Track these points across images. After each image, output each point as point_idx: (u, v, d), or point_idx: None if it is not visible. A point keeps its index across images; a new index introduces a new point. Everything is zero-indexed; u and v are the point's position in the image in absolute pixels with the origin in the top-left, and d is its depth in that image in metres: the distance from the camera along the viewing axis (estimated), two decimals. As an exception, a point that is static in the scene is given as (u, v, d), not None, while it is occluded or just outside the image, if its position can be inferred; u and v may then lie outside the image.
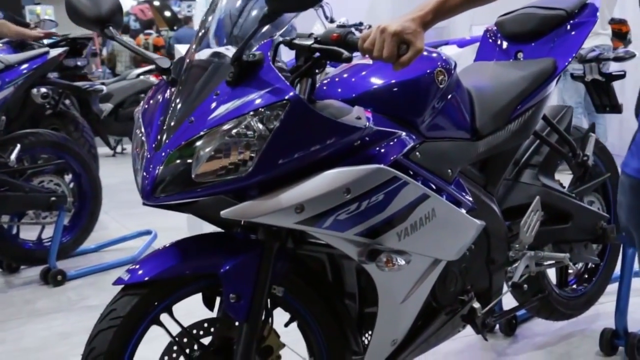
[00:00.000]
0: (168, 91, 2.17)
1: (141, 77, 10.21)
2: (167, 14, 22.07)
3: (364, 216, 2.08)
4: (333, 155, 2.04)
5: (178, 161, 1.98)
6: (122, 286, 2.11)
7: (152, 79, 10.08)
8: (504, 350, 3.27)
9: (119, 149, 10.76)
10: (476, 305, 2.56)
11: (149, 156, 2.04)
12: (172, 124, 2.05)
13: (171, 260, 2.11)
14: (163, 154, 2.00)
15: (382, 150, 2.15)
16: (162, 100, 2.16)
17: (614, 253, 3.45)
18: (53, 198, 4.61)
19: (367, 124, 2.10)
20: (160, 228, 5.33)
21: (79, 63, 6.21)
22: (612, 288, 3.49)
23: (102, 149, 6.19)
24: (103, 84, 6.12)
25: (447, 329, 2.54)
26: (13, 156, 4.53)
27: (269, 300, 2.19)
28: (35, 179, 4.71)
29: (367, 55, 2.01)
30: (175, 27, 20.16)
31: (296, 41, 2.09)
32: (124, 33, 16.42)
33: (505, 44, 3.04)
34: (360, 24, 3.07)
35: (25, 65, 4.67)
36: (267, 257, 2.10)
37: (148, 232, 5.38)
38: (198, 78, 2.11)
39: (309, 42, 2.06)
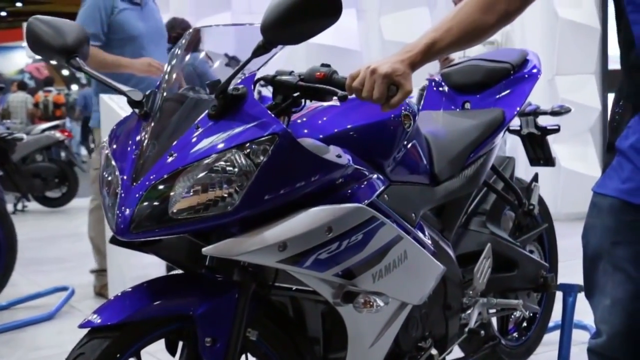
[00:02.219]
0: (141, 125, 2.11)
1: (46, 132, 10.01)
2: (65, 72, 21.75)
3: (343, 256, 2.06)
4: (314, 193, 2.02)
5: (155, 197, 1.92)
6: (89, 329, 1.99)
7: (58, 134, 9.90)
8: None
9: (19, 206, 10.39)
10: (434, 351, 2.55)
11: (123, 192, 1.96)
12: (149, 158, 1.99)
13: (142, 301, 2.02)
14: (139, 189, 1.93)
15: (359, 190, 2.15)
16: (134, 135, 2.09)
17: (550, 302, 3.50)
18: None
19: (348, 162, 2.09)
20: (75, 284, 5.15)
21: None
22: (547, 338, 3.58)
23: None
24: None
25: (407, 375, 2.52)
26: None
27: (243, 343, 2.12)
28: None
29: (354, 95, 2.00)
30: (72, 86, 19.96)
31: (279, 78, 2.07)
32: (20, 89, 16.12)
33: (452, 94, 3.09)
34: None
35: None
36: (243, 299, 2.04)
37: (64, 288, 5.14)
38: (174, 111, 2.07)
39: (294, 80, 2.04)
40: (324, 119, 2.29)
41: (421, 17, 7.76)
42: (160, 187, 1.91)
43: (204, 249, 1.92)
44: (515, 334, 3.42)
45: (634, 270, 1.69)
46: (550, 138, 3.48)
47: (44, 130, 10.10)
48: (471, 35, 2.00)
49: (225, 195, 1.89)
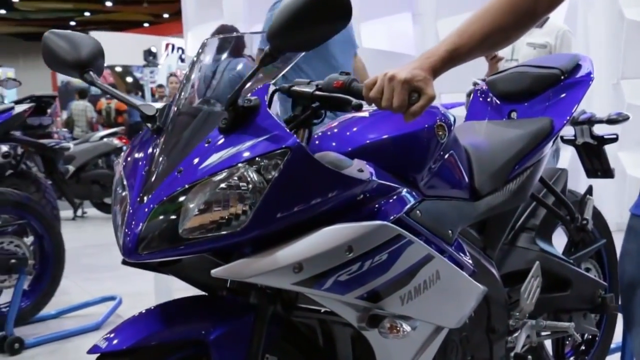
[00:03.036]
0: (153, 140, 2.01)
1: (105, 139, 10.10)
2: (129, 79, 22.01)
3: (366, 277, 1.92)
4: (333, 210, 1.89)
5: (164, 215, 1.81)
6: (98, 355, 1.89)
7: (116, 141, 9.96)
8: None
9: (79, 212, 10.53)
10: None
11: (131, 210, 1.86)
12: (158, 174, 1.88)
13: (154, 325, 1.91)
14: (147, 207, 1.82)
15: (384, 207, 2.01)
16: (146, 150, 1.99)
17: (611, 323, 3.29)
18: (13, 260, 4.41)
19: (370, 177, 1.95)
20: (125, 294, 5.12)
21: (42, 121, 6.04)
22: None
23: (62, 212, 5.95)
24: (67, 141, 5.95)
25: (446, 403, 2.37)
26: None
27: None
28: (-8, 240, 4.51)
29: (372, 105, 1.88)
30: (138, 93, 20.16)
31: (295, 88, 1.96)
32: (81, 98, 16.33)
33: (497, 103, 2.94)
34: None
35: (-12, 121, 4.50)
36: (260, 323, 1.92)
37: (112, 298, 5.14)
38: (186, 126, 1.95)
39: (311, 89, 1.92)
40: (352, 130, 2.18)
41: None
42: (168, 205, 1.81)
43: (212, 271, 1.81)
44: (572, 358, 3.23)
45: None
46: (614, 146, 3.31)
47: (102, 138, 10.20)
48: (496, 40, 1.88)
49: (235, 213, 1.78)
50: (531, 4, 1.81)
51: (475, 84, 3.36)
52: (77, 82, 23.58)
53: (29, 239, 4.80)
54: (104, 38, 20.09)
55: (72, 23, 28.49)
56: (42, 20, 28.04)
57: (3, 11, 26.78)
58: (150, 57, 20.94)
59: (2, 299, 4.67)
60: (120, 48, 19.68)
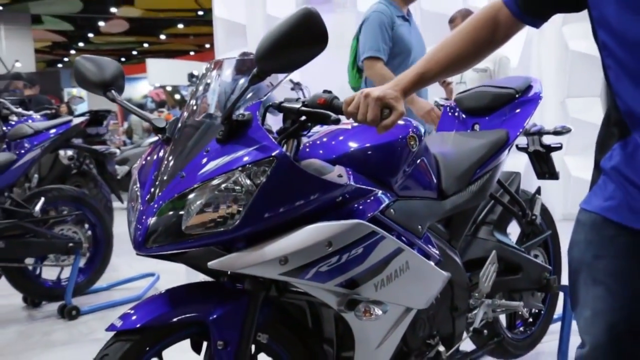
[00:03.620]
0: (162, 149, 1.85)
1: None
2: (177, 96, 21.91)
3: (344, 268, 1.75)
4: (316, 210, 1.73)
5: (169, 213, 1.66)
6: (114, 332, 1.74)
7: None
8: (461, 386, 2.90)
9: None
10: (441, 348, 2.22)
11: (142, 209, 1.71)
12: (165, 178, 1.72)
13: (162, 308, 1.75)
14: (155, 206, 1.68)
15: (361, 207, 1.84)
16: (156, 157, 1.84)
17: (554, 300, 3.11)
18: (71, 244, 4.26)
19: (348, 181, 1.79)
20: (163, 270, 4.92)
21: (99, 131, 5.94)
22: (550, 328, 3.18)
23: (119, 203, 5.81)
24: (119, 148, 5.81)
25: (415, 371, 2.19)
26: (37, 208, 4.19)
27: (253, 346, 1.83)
28: (56, 228, 4.37)
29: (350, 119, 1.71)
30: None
31: (285, 104, 1.79)
32: (141, 111, 16.18)
33: (463, 117, 2.76)
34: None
35: (51, 131, 4.37)
36: (253, 306, 1.76)
37: (152, 274, 4.98)
38: (190, 136, 1.80)
39: (297, 105, 1.76)
40: (337, 140, 2.00)
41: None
42: (171, 205, 1.66)
43: (209, 263, 1.65)
44: (521, 329, 3.04)
45: (613, 283, 1.41)
46: (562, 152, 3.15)
47: (150, 143, 10.02)
48: (458, 65, 1.72)
49: (229, 213, 1.63)
50: (489, 35, 1.64)
51: (437, 103, 3.20)
52: (136, 97, 23.75)
53: (85, 227, 4.68)
54: (159, 64, 20.05)
55: (134, 52, 28.47)
56: (111, 50, 28.06)
57: (82, 44, 26.80)
58: (192, 78, 20.80)
59: (63, 274, 4.52)
60: (170, 72, 19.48)
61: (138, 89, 23.33)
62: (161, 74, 19.36)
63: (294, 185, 1.67)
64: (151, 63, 19.79)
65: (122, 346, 1.70)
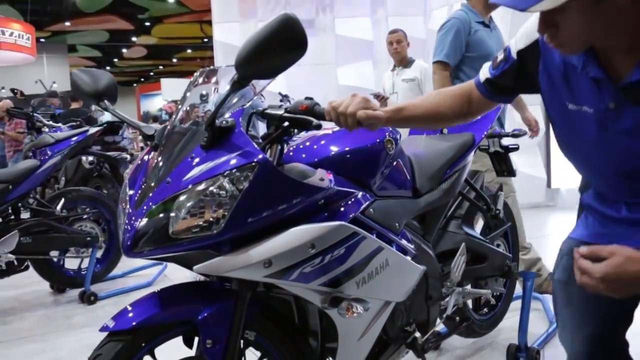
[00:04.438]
0: (151, 155, 1.56)
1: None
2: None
3: (327, 269, 1.48)
4: (299, 213, 1.44)
5: (155, 219, 1.37)
6: (107, 333, 1.46)
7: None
8: (433, 362, 2.65)
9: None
10: (417, 334, 1.95)
11: (130, 213, 1.42)
12: (152, 184, 1.44)
13: (153, 308, 1.47)
14: (142, 211, 1.39)
15: (343, 208, 1.56)
16: (145, 163, 1.55)
17: (513, 283, 2.85)
18: (89, 238, 3.97)
19: (329, 184, 1.51)
20: (171, 259, 4.61)
21: (115, 139, 5.63)
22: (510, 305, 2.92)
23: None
24: (131, 154, 5.52)
25: (394, 357, 1.92)
26: (58, 207, 3.95)
27: (242, 342, 1.56)
28: (76, 224, 4.06)
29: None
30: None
31: (268, 111, 1.51)
32: (154, 122, 15.80)
33: None
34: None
35: (70, 140, 4.06)
36: (240, 306, 1.48)
37: (160, 263, 4.63)
38: (177, 143, 1.51)
39: (280, 112, 1.48)
40: (319, 144, 1.72)
41: None
42: (158, 211, 1.37)
43: (194, 267, 1.37)
44: (485, 309, 2.78)
45: (584, 302, 1.37)
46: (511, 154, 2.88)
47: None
48: (432, 119, 1.52)
49: (214, 218, 1.34)
50: (464, 107, 1.52)
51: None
52: (153, 110, 23.34)
53: (101, 223, 4.38)
54: (171, 82, 19.68)
55: (151, 73, 27.99)
56: (132, 72, 27.66)
57: (108, 67, 26.33)
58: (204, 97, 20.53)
59: (82, 265, 4.23)
60: (181, 89, 19.07)
61: (154, 103, 22.93)
62: (173, 90, 19.10)
63: (277, 189, 1.39)
64: (165, 82, 19.56)
65: (115, 346, 1.43)
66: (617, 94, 1.13)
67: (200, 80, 1.65)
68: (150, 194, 1.40)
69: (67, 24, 18.49)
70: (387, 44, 5.02)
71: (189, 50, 22.81)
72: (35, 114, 5.11)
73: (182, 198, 1.35)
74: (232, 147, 1.39)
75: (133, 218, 1.39)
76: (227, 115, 1.46)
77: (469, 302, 2.63)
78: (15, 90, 8.11)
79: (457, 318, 2.25)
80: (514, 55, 1.35)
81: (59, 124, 5.21)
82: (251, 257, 1.36)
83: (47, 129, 4.83)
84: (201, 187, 1.35)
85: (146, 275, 4.40)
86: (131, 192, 1.47)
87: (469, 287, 2.36)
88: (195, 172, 1.37)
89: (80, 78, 1.70)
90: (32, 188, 3.81)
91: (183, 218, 1.34)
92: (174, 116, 1.61)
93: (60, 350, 3.09)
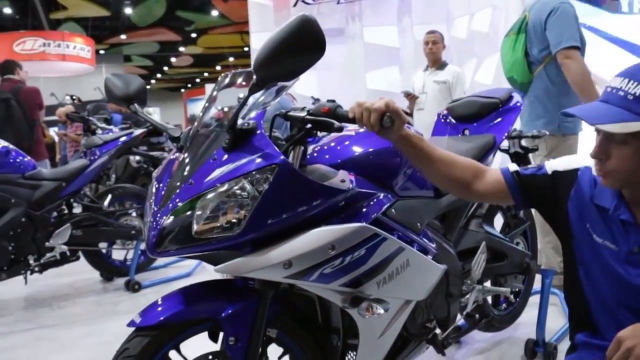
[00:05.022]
0: (177, 156, 1.46)
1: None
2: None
3: (347, 269, 1.36)
4: (320, 214, 1.33)
5: (178, 218, 1.27)
6: (134, 328, 1.38)
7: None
8: (453, 355, 2.50)
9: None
10: (437, 331, 1.82)
11: (152, 216, 1.32)
12: (176, 184, 1.34)
13: (178, 305, 1.38)
14: (166, 211, 1.29)
15: (364, 209, 1.44)
16: (171, 164, 1.45)
17: (531, 280, 2.68)
18: (133, 231, 3.91)
19: (351, 186, 1.38)
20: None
21: (159, 140, 5.59)
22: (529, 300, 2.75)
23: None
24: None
25: (415, 352, 1.79)
26: (106, 203, 3.95)
27: (264, 339, 1.45)
28: (122, 219, 4.01)
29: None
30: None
31: (291, 113, 1.39)
32: (191, 123, 15.85)
33: (454, 123, 2.34)
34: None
35: (117, 141, 4.01)
36: (262, 305, 1.38)
37: (199, 255, 4.60)
38: (201, 145, 1.41)
39: (303, 114, 1.36)
40: (342, 145, 1.60)
41: None
42: (180, 211, 1.27)
43: (215, 268, 1.26)
44: (504, 305, 2.62)
45: None
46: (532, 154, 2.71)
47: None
48: (438, 166, 1.39)
49: (235, 219, 1.23)
50: (472, 180, 1.39)
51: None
52: (198, 113, 23.40)
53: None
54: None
55: (197, 80, 28.15)
56: (180, 79, 27.90)
57: (159, 75, 26.62)
58: (239, 99, 20.56)
59: (128, 256, 4.19)
60: (224, 95, 19.30)
61: (199, 107, 23.23)
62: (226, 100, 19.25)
63: (297, 191, 1.28)
64: (209, 88, 19.54)
65: (142, 341, 1.35)
66: None
67: (226, 82, 1.54)
68: (174, 194, 1.30)
69: (123, 37, 18.78)
70: (424, 43, 4.67)
71: (231, 59, 22.87)
72: (90, 118, 5.12)
73: (204, 199, 1.25)
74: (253, 149, 1.29)
75: (158, 216, 1.30)
76: (252, 115, 1.36)
77: (489, 299, 2.48)
78: (74, 97, 8.18)
79: (477, 315, 2.10)
80: (548, 170, 1.33)
81: (111, 127, 5.21)
82: (271, 258, 1.25)
83: (100, 131, 4.82)
84: (223, 188, 1.25)
85: (186, 266, 4.34)
86: (157, 191, 1.38)
87: (488, 284, 2.22)
88: (216, 173, 1.27)
89: (113, 83, 1.63)
90: (83, 185, 3.78)
91: (205, 218, 1.24)
92: (198, 119, 1.51)
93: (105, 334, 3.04)
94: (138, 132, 4.08)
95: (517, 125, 2.50)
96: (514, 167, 1.39)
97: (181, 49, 21.17)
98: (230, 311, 1.36)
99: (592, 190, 1.23)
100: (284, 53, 1.17)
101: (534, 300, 2.59)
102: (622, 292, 1.20)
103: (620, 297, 1.20)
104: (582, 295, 1.29)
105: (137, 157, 5.16)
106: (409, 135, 1.33)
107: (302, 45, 1.18)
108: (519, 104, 2.34)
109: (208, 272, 4.07)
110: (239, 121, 1.32)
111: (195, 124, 1.49)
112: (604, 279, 1.23)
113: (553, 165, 1.33)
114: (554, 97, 2.94)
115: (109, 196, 3.96)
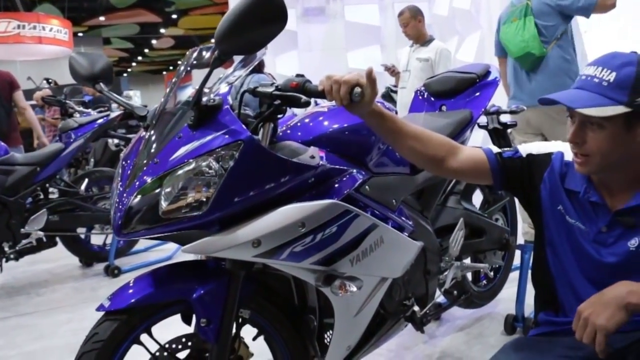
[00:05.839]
0: (143, 135, 1.42)
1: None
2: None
3: (319, 247, 1.33)
4: (290, 192, 1.30)
5: (144, 198, 1.24)
6: (103, 312, 1.35)
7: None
8: (434, 332, 2.51)
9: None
10: (416, 308, 1.81)
11: (118, 197, 1.29)
12: (142, 164, 1.30)
13: (148, 287, 1.35)
14: (131, 191, 1.25)
15: (336, 186, 1.41)
16: (137, 144, 1.41)
17: (511, 256, 2.68)
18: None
19: (320, 162, 1.35)
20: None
21: (139, 123, 5.46)
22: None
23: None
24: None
25: (393, 330, 1.79)
26: (82, 187, 3.87)
27: (237, 320, 1.43)
28: (100, 203, 3.93)
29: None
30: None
31: (259, 89, 1.36)
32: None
33: (431, 99, 2.31)
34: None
35: (93, 124, 3.92)
36: (234, 285, 1.35)
37: (178, 239, 4.55)
38: (167, 123, 1.36)
39: (271, 89, 1.32)
40: (315, 122, 1.57)
41: None
42: (145, 191, 1.23)
43: (182, 248, 1.24)
44: (484, 282, 2.63)
45: None
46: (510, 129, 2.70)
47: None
48: (411, 141, 1.35)
49: (201, 198, 1.20)
50: (446, 156, 1.37)
51: (389, 89, 2.71)
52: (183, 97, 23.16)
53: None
54: (199, 71, 19.51)
55: (179, 62, 27.75)
56: (161, 62, 27.50)
57: (140, 57, 26.21)
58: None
59: (107, 240, 4.14)
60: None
61: (186, 93, 22.98)
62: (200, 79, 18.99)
63: (264, 168, 1.24)
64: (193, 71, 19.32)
65: (111, 325, 1.33)
66: (611, 219, 1.21)
67: (194, 58, 1.49)
68: (140, 173, 1.26)
69: (102, 18, 18.41)
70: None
71: (212, 40, 22.63)
72: (67, 101, 5.01)
73: (170, 177, 1.22)
74: (218, 126, 1.25)
75: (124, 196, 1.26)
76: (218, 91, 1.32)
77: (468, 275, 2.49)
78: (50, 80, 8.01)
79: (456, 291, 2.11)
80: (522, 153, 1.36)
81: (89, 110, 5.10)
82: (239, 237, 1.22)
83: (78, 115, 4.72)
84: (189, 167, 1.21)
85: (166, 250, 4.29)
86: (123, 171, 1.34)
87: (467, 260, 2.22)
88: (182, 151, 1.24)
89: (77, 61, 1.56)
90: (58, 169, 3.71)
91: (172, 197, 1.21)
92: (164, 97, 1.46)
93: (85, 320, 3.01)
94: (114, 114, 4.00)
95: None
96: (496, 148, 1.41)
97: (162, 30, 20.82)
98: (201, 292, 1.33)
99: (563, 175, 1.29)
100: (246, 25, 1.13)
101: (514, 276, 2.61)
102: (592, 271, 1.25)
103: (589, 275, 1.25)
104: (548, 275, 1.33)
105: (116, 140, 5.06)
106: (380, 110, 1.30)
107: (264, 17, 1.14)
108: (496, 79, 2.32)
109: (189, 256, 4.03)
110: (205, 98, 1.28)
111: (162, 101, 1.44)
112: (574, 258, 1.27)
113: (527, 148, 1.37)
114: (574, 64, 3.18)
115: (86, 180, 3.89)
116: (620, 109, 1.11)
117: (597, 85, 1.14)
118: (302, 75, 1.33)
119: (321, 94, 1.25)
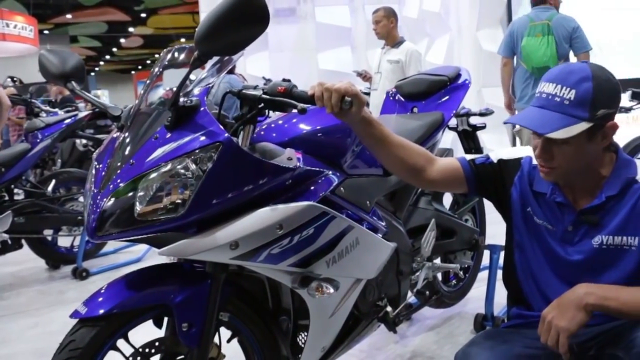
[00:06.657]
0: (117, 136, 1.39)
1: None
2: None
3: (296, 249, 1.33)
4: (267, 194, 1.29)
5: (119, 200, 1.21)
6: (78, 319, 1.31)
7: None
8: (405, 332, 2.53)
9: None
10: (389, 309, 1.82)
11: (94, 193, 1.25)
12: (116, 165, 1.27)
13: (125, 293, 1.32)
14: (106, 193, 1.23)
15: (312, 188, 1.41)
16: (111, 145, 1.38)
17: (480, 256, 2.73)
18: (80, 217, 3.76)
19: (298, 164, 1.36)
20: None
21: (107, 123, 5.38)
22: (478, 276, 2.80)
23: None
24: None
25: (366, 331, 1.80)
26: (49, 188, 3.75)
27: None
28: (67, 204, 3.86)
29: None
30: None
31: (245, 92, 1.34)
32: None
33: (403, 101, 2.34)
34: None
35: (60, 124, 3.84)
36: (215, 289, 1.34)
37: (149, 240, 4.47)
38: (143, 123, 1.34)
39: (258, 93, 1.31)
40: (290, 123, 1.57)
41: None
42: (121, 193, 1.21)
43: (158, 251, 1.22)
44: (454, 281, 2.67)
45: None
46: (479, 132, 2.75)
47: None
48: (394, 150, 1.38)
49: (178, 200, 1.18)
50: (421, 167, 1.39)
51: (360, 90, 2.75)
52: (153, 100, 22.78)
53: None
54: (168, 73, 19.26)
55: (148, 62, 27.35)
56: (130, 61, 27.07)
57: (108, 57, 25.73)
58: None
59: (75, 242, 4.04)
60: (178, 77, 18.85)
61: (157, 93, 22.69)
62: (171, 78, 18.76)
63: (242, 170, 1.24)
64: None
65: (89, 332, 1.29)
66: (576, 218, 1.27)
67: (168, 58, 1.47)
68: (115, 175, 1.24)
69: (69, 16, 17.99)
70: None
71: (182, 40, 22.28)
72: (33, 100, 4.89)
73: (146, 179, 1.20)
74: (196, 127, 1.23)
75: (98, 198, 1.23)
76: (195, 92, 1.30)
77: (439, 275, 2.52)
78: (15, 79, 7.78)
79: (427, 291, 2.13)
80: (494, 159, 1.40)
81: (56, 109, 4.98)
82: (217, 239, 1.21)
83: (44, 114, 4.60)
84: (165, 168, 1.19)
85: (136, 252, 4.22)
86: (97, 172, 1.31)
87: (438, 261, 2.25)
88: (158, 152, 1.22)
89: (47, 59, 1.52)
90: (24, 170, 3.62)
91: (148, 200, 1.19)
92: (139, 97, 1.44)
93: (52, 324, 2.94)
94: (82, 114, 3.92)
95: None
96: (468, 156, 1.45)
97: (130, 29, 20.48)
98: (182, 297, 1.31)
99: (531, 178, 1.34)
100: (226, 26, 1.12)
101: (483, 275, 2.65)
102: (560, 269, 1.30)
103: (558, 273, 1.30)
104: (517, 276, 1.38)
105: (84, 141, 4.96)
106: (369, 117, 1.32)
107: (245, 18, 1.13)
108: (467, 82, 2.35)
109: (159, 257, 3.97)
110: (182, 99, 1.27)
111: (137, 101, 1.42)
112: (543, 257, 1.32)
113: (498, 154, 1.42)
114: None
115: (53, 181, 3.78)
116: (584, 125, 1.15)
117: (559, 105, 1.17)
118: (289, 80, 1.32)
119: (310, 100, 1.25)
